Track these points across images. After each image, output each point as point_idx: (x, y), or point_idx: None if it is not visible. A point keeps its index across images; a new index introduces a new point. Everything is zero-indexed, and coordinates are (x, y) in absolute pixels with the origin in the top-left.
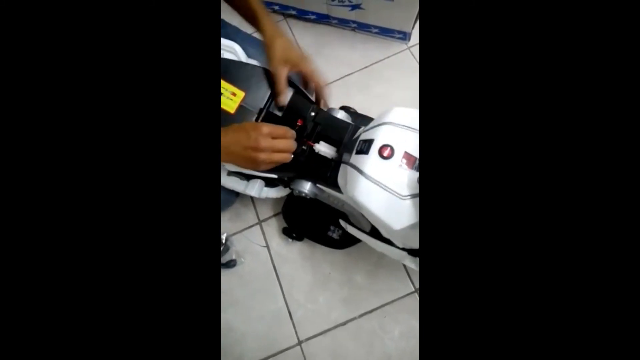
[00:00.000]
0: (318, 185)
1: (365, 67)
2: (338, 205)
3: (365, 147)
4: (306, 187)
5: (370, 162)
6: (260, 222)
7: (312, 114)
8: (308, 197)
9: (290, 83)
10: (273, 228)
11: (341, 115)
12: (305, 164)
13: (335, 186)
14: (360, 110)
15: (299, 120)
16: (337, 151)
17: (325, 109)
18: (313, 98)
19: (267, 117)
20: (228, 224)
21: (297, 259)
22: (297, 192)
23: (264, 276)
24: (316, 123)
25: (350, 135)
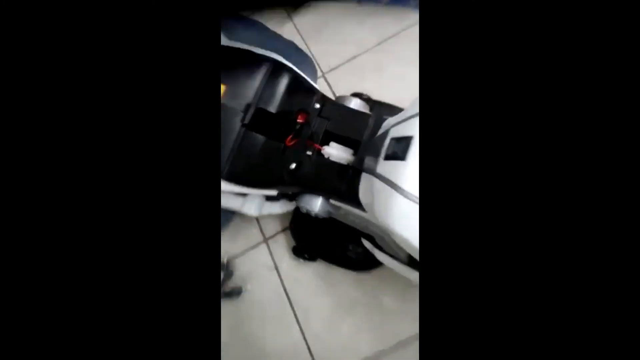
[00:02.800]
0: (332, 201)
1: (377, 45)
2: (360, 226)
3: (399, 149)
4: (316, 204)
5: (409, 171)
6: (266, 240)
7: (317, 105)
8: (320, 217)
9: (285, 67)
10: (282, 246)
11: (355, 104)
12: (312, 175)
13: (355, 203)
14: (376, 96)
15: (300, 115)
16: (355, 154)
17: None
18: (317, 85)
19: (257, 115)
20: (228, 245)
21: (313, 282)
22: (304, 210)
23: (275, 304)
24: (323, 118)
25: (371, 131)
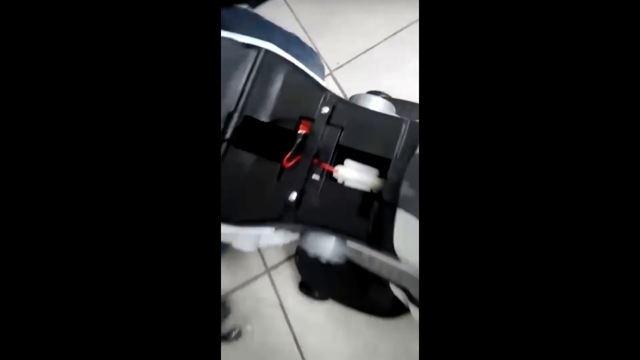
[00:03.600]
0: (350, 245)
1: (393, 35)
2: (393, 277)
3: None
4: (326, 247)
5: None
6: (268, 271)
7: (325, 109)
8: (332, 264)
9: (279, 59)
10: (287, 277)
11: (377, 104)
12: (320, 209)
13: (386, 250)
14: (395, 95)
15: (303, 124)
16: (382, 176)
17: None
18: (323, 82)
19: (244, 125)
20: (224, 276)
21: (326, 324)
22: (310, 254)
23: (281, 350)
24: (334, 126)
25: (405, 142)
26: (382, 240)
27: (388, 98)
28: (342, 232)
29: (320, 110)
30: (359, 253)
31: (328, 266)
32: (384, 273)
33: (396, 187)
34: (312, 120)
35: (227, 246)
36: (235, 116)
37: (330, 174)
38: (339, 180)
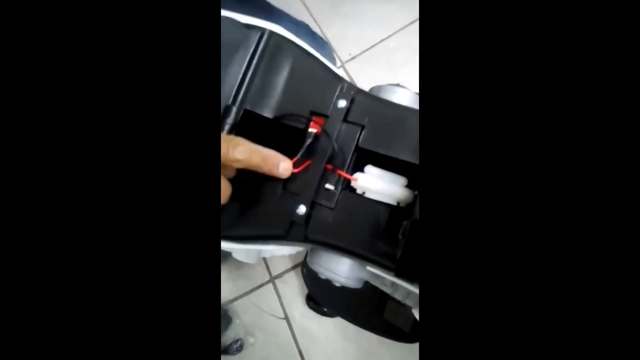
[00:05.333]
0: (370, 268)
1: (409, 24)
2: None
3: None
4: (341, 270)
5: None
6: (272, 280)
7: (342, 103)
8: (348, 287)
9: (286, 42)
10: (292, 287)
11: (403, 97)
12: (335, 226)
13: (418, 280)
14: (413, 90)
15: (314, 122)
16: (412, 186)
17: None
18: (338, 70)
19: (244, 122)
20: (226, 284)
21: (334, 340)
22: (322, 276)
23: None
24: (353, 124)
25: None
26: (415, 269)
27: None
28: (362, 257)
29: (336, 104)
30: (380, 278)
31: (341, 288)
32: (410, 302)
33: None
34: (325, 116)
35: (229, 254)
36: (234, 110)
37: (347, 182)
38: (359, 191)
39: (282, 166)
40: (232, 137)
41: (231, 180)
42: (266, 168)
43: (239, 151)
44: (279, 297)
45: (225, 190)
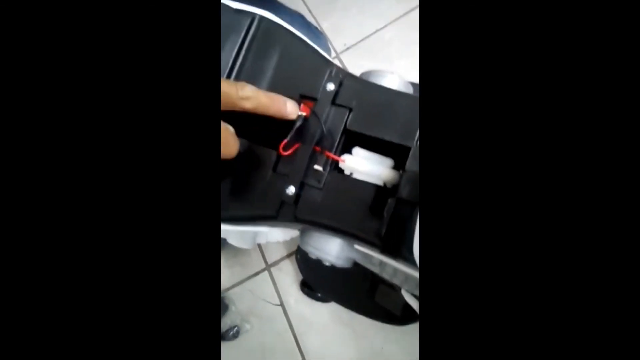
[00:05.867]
0: (358, 247)
1: (404, 15)
2: (408, 286)
3: None
4: (331, 249)
5: None
6: (268, 267)
7: (331, 86)
8: (337, 267)
9: (276, 27)
10: (288, 274)
11: (392, 81)
12: (324, 205)
13: (402, 257)
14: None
15: (303, 104)
16: (398, 167)
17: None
18: (328, 56)
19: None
20: (224, 272)
21: (329, 325)
22: (313, 256)
23: (281, 351)
24: (341, 107)
25: None
26: (398, 245)
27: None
28: (349, 234)
29: (325, 87)
30: (369, 257)
31: (332, 268)
32: (397, 280)
33: (416, 181)
34: (314, 99)
35: (225, 240)
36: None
37: (336, 164)
38: (346, 172)
39: (289, 105)
40: (236, 82)
41: (223, 162)
42: (275, 107)
43: (247, 89)
44: (275, 284)
45: (233, 145)
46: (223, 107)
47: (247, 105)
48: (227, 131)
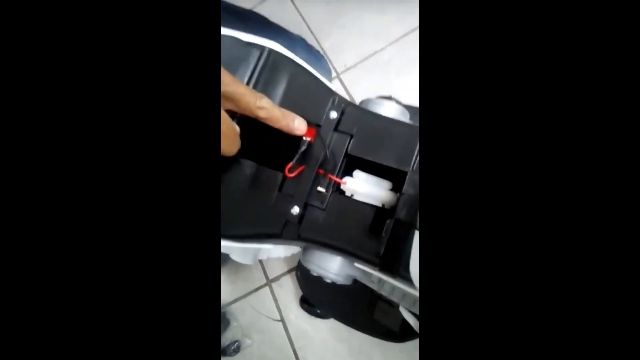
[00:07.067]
0: (358, 265)
1: (404, 36)
2: (405, 304)
3: None
4: (331, 267)
5: None
6: (269, 283)
7: (334, 114)
8: (337, 284)
9: (283, 59)
10: (288, 291)
11: (390, 110)
12: (326, 225)
13: (400, 276)
14: (406, 101)
15: (308, 130)
16: (395, 189)
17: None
18: (332, 86)
19: (242, 130)
20: (225, 287)
21: (328, 341)
22: (314, 273)
23: None
24: (343, 133)
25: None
26: (396, 263)
27: (397, 103)
28: (350, 253)
29: (328, 115)
30: (368, 274)
31: (332, 285)
32: (395, 298)
33: (413, 203)
34: (318, 126)
35: (227, 256)
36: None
37: (337, 186)
38: (347, 194)
39: (297, 121)
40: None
41: (231, 183)
42: (284, 122)
43: (264, 101)
44: (275, 299)
45: (235, 143)
46: (241, 111)
47: (262, 114)
48: (233, 129)
